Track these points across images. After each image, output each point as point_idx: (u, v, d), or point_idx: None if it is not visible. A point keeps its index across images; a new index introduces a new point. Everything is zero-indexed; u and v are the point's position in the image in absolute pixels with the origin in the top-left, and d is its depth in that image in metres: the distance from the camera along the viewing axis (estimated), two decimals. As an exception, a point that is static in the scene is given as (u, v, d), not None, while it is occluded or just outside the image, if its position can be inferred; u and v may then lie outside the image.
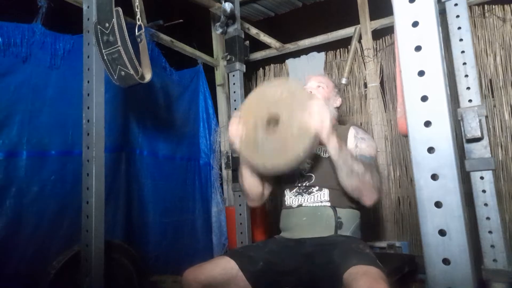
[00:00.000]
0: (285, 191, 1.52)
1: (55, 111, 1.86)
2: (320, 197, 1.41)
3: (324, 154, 1.45)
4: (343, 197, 1.39)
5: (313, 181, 1.44)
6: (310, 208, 1.40)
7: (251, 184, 1.43)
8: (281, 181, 1.57)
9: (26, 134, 1.75)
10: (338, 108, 1.63)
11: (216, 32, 2.14)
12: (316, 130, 1.15)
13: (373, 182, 1.27)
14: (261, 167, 1.25)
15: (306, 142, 1.15)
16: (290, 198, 1.48)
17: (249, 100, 1.35)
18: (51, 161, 1.83)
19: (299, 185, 1.47)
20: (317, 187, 1.43)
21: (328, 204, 1.39)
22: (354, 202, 1.39)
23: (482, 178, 1.45)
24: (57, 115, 1.87)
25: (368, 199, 1.29)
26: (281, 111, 1.23)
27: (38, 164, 1.78)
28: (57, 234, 1.80)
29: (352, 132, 1.46)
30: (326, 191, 1.41)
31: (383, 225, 2.47)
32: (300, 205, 1.43)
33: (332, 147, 1.21)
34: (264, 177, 1.43)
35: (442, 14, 1.55)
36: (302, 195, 1.45)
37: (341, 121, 1.74)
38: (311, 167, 1.46)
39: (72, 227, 1.81)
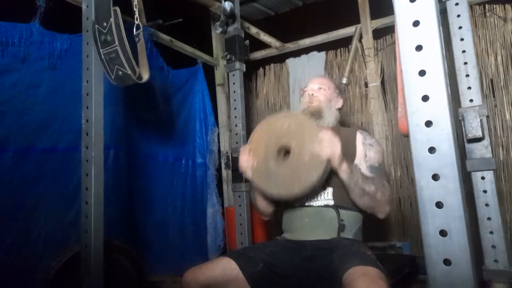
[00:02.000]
0: None
1: (44, 109, 1.87)
2: (323, 196, 1.40)
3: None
4: (346, 196, 1.39)
5: None
6: (313, 209, 1.40)
7: (265, 205, 1.51)
8: None
9: (14, 131, 1.75)
10: (340, 109, 1.63)
11: (216, 32, 2.13)
12: (327, 156, 1.20)
13: (385, 197, 1.30)
14: (276, 196, 1.31)
15: (319, 169, 1.20)
16: None
17: (257, 132, 1.41)
18: (35, 157, 1.84)
19: None
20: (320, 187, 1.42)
21: (332, 202, 1.38)
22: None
23: (483, 178, 1.45)
24: (46, 113, 1.87)
25: (381, 214, 1.33)
26: (291, 141, 1.29)
27: (23, 159, 1.79)
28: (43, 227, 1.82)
29: (359, 137, 1.47)
30: (329, 190, 1.41)
31: (384, 226, 2.46)
32: (303, 204, 1.42)
33: (343, 171, 1.26)
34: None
35: (443, 13, 1.55)
36: None
37: (343, 122, 1.74)
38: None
39: (59, 222, 1.85)
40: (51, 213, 1.85)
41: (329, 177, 1.41)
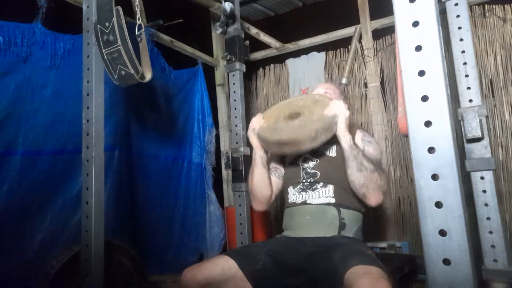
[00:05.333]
0: (289, 188, 1.51)
1: (52, 110, 1.87)
2: (325, 193, 1.40)
3: (331, 153, 1.47)
4: (347, 195, 1.39)
5: (318, 177, 1.44)
6: (314, 207, 1.40)
7: (261, 184, 1.51)
8: (285, 179, 1.57)
9: (22, 133, 1.75)
10: None
11: (216, 32, 2.14)
12: (334, 113, 1.31)
13: (381, 182, 1.30)
14: (276, 141, 1.37)
15: (324, 121, 1.29)
16: (294, 195, 1.47)
17: (275, 106, 1.56)
18: (44, 159, 1.84)
19: (303, 181, 1.47)
20: (321, 183, 1.42)
21: (333, 200, 1.38)
22: (359, 203, 1.40)
23: (482, 178, 1.45)
24: (53, 115, 1.87)
25: (374, 199, 1.31)
26: (303, 110, 1.40)
27: (32, 162, 1.79)
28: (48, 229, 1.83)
29: (359, 135, 1.49)
30: (331, 187, 1.40)
31: (383, 225, 2.47)
32: (304, 202, 1.42)
33: (346, 139, 1.31)
34: (273, 180, 1.56)
35: (442, 14, 1.55)
36: (306, 192, 1.44)
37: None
38: (317, 164, 1.47)
39: (67, 223, 1.87)
40: (60, 214, 1.85)
41: (330, 175, 1.42)
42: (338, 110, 1.32)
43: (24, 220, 1.74)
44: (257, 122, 1.50)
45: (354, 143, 1.31)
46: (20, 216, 1.73)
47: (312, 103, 1.42)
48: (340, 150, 1.44)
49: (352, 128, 1.57)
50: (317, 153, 1.49)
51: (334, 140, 1.47)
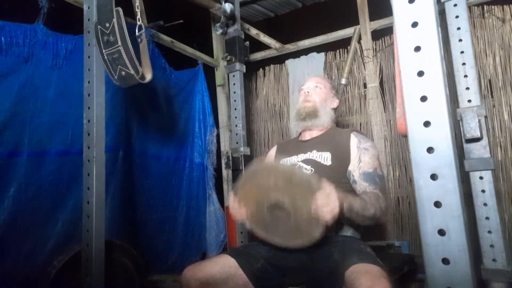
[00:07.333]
0: None
1: (55, 111, 1.87)
2: None
3: (325, 162, 1.44)
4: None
5: None
6: None
7: None
8: None
9: (27, 134, 1.76)
10: (335, 109, 1.64)
11: (216, 33, 2.14)
12: (328, 221, 1.07)
13: (383, 211, 1.26)
14: (280, 244, 1.22)
15: (320, 228, 1.11)
16: None
17: (242, 186, 1.28)
18: (50, 160, 1.84)
19: None
20: None
21: None
22: None
23: (481, 178, 1.46)
24: (57, 115, 1.87)
25: (382, 220, 1.31)
26: (283, 199, 1.17)
27: (38, 163, 1.79)
28: (53, 230, 1.84)
29: (354, 141, 1.44)
30: None
31: (382, 225, 2.47)
32: None
33: (343, 213, 1.14)
34: None
35: (441, 14, 1.56)
36: None
37: (338, 122, 1.75)
38: (312, 174, 1.42)
39: (70, 223, 1.86)
40: (67, 215, 1.86)
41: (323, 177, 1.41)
42: (331, 214, 1.06)
43: (32, 221, 1.74)
44: (239, 213, 1.28)
45: (350, 207, 1.16)
46: (27, 216, 1.73)
47: (286, 185, 1.16)
48: (335, 158, 1.43)
49: (347, 129, 1.57)
50: (311, 161, 1.46)
51: (328, 147, 1.46)
